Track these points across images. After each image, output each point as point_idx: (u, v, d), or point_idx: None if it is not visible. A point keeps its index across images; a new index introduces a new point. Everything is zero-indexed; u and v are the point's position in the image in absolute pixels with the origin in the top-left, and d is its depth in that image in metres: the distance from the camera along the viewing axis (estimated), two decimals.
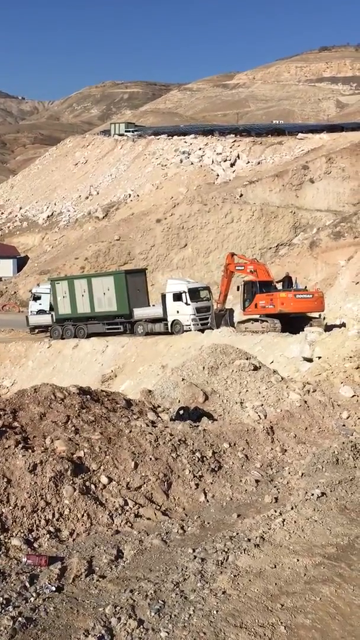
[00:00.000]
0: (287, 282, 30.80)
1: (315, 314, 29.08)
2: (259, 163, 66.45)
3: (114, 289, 34.40)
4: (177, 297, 32.16)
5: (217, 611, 5.56)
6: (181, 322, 31.61)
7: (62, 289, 36.76)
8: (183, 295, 32.03)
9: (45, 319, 38.41)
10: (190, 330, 30.68)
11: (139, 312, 33.60)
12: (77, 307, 35.84)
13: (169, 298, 32.49)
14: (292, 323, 27.42)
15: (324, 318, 28.77)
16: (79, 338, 34.33)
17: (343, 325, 26.43)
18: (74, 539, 6.94)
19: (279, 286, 30.36)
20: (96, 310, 35.12)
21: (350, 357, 13.92)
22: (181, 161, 70.37)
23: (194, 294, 32.47)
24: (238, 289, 30.97)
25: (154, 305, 34.33)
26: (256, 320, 28.83)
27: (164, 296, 32.97)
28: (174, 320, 31.96)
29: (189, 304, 31.79)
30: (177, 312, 31.99)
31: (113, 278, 35.46)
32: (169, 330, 31.96)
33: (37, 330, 39.00)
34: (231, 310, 32.29)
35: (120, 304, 34.06)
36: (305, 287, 32.45)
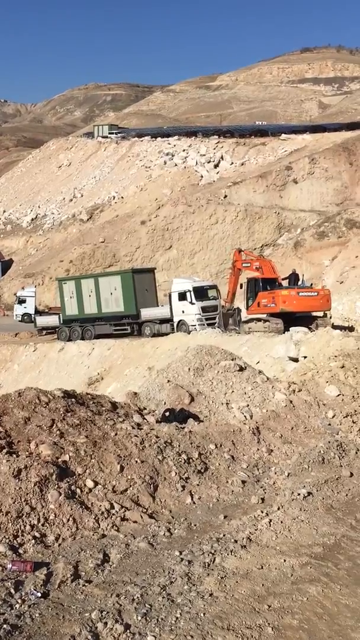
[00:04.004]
0: (293, 278, 29.40)
1: (321, 313, 27.85)
2: (242, 164, 66.62)
3: (120, 289, 33.35)
4: (182, 296, 31.04)
5: (204, 614, 5.53)
6: (187, 323, 30.49)
7: (69, 289, 35.70)
8: (188, 294, 30.88)
9: (53, 320, 37.67)
10: (196, 330, 29.45)
11: (146, 313, 32.67)
12: (84, 307, 34.80)
13: (175, 297, 31.40)
14: (297, 323, 25.86)
15: (330, 317, 27.89)
16: (87, 339, 33.43)
17: (352, 328, 25.81)
18: (60, 544, 6.88)
19: (285, 283, 28.82)
20: (103, 311, 34.09)
21: (335, 356, 13.95)
22: (165, 163, 70.36)
23: (200, 292, 31.24)
24: (241, 287, 29.67)
25: (162, 306, 33.35)
26: (259, 320, 27.58)
27: (170, 296, 32.02)
28: (180, 320, 30.90)
29: (194, 303, 30.63)
30: (183, 312, 30.91)
31: (120, 277, 34.38)
32: (175, 331, 30.75)
33: (44, 332, 38.59)
34: (239, 310, 30.68)
35: (127, 304, 33.03)
36: (312, 284, 31.17)
